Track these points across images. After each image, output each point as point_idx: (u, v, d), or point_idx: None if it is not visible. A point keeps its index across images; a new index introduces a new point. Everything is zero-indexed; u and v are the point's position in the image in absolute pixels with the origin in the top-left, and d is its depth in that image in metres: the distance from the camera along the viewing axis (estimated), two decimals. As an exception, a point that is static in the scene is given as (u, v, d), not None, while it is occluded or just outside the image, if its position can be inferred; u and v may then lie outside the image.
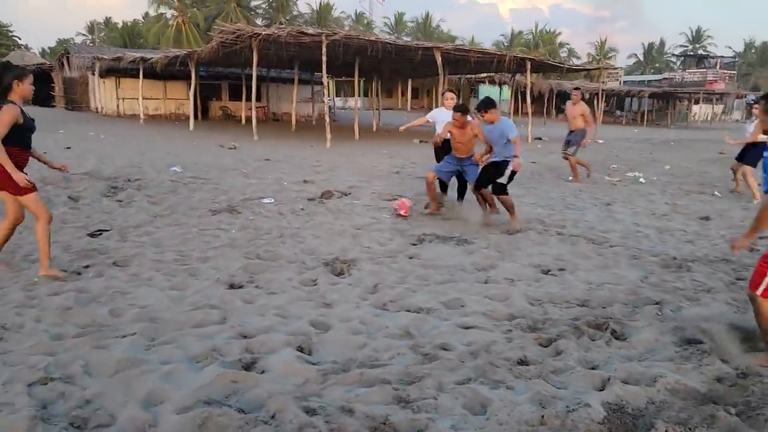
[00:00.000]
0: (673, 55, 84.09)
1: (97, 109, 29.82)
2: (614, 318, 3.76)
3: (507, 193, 6.66)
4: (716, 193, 9.66)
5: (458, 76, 33.99)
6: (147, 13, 64.08)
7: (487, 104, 6.65)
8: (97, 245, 5.34)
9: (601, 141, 22.16)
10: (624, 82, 58.96)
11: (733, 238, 3.30)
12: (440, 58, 17.57)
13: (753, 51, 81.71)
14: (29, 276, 4.37)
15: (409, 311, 3.93)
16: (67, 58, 31.60)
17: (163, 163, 10.82)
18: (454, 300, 4.13)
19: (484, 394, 2.74)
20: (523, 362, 3.12)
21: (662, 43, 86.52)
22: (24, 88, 4.29)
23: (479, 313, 3.89)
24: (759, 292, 3.03)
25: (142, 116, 24.93)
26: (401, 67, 22.83)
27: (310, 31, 15.72)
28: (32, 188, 4.26)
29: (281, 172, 10.25)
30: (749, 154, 9.05)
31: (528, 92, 21.29)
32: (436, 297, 4.20)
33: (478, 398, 2.72)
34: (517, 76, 34.11)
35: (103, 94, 28.99)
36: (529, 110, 21.63)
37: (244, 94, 27.52)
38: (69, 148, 13.07)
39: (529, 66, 20.38)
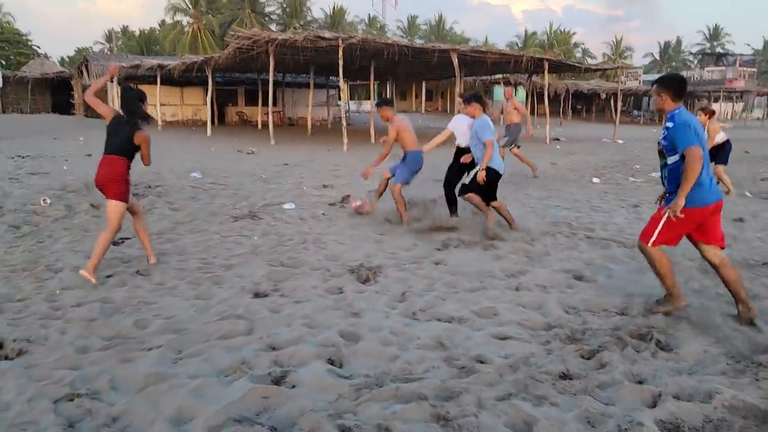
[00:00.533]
0: (691, 53, 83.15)
1: (115, 116, 30.07)
2: (657, 327, 3.59)
3: (473, 191, 6.10)
4: (747, 193, 9.41)
5: (473, 77, 33.82)
6: (163, 21, 64.80)
7: (469, 97, 6.33)
8: (120, 253, 5.28)
9: (620, 141, 21.86)
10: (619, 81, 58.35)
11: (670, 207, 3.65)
12: (456, 60, 17.42)
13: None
14: (52, 287, 4.30)
15: (440, 320, 3.80)
16: (86, 66, 31.93)
17: (183, 169, 10.80)
18: (486, 308, 3.99)
19: (528, 412, 2.60)
20: (565, 376, 2.97)
21: (679, 42, 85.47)
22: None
23: (514, 322, 3.75)
24: (650, 243, 3.83)
25: (159, 122, 25.07)
26: (417, 69, 22.73)
27: (327, 35, 15.68)
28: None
29: (300, 177, 10.18)
30: (719, 154, 9.42)
31: (546, 93, 21.05)
32: (466, 305, 4.06)
33: (521, 416, 2.58)
34: (534, 77, 34.06)
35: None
36: (547, 111, 21.40)
37: (260, 99, 27.62)
38: (90, 155, 13.13)
39: (546, 66, 20.15)
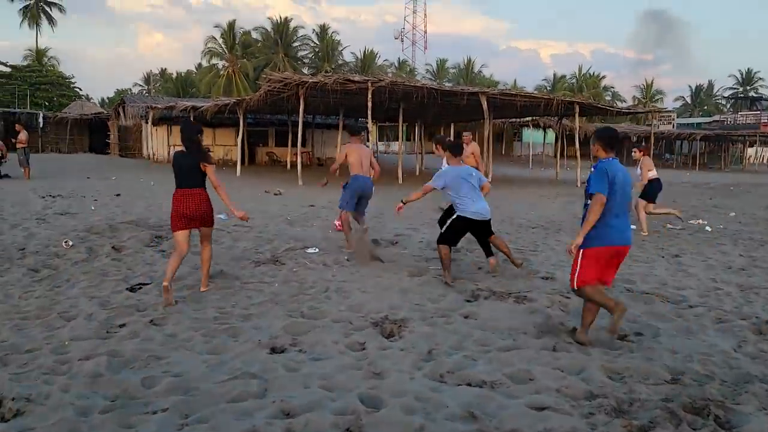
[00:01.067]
0: (723, 97, 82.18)
1: (149, 156, 30.75)
2: (714, 399, 3.21)
3: (443, 243, 6.06)
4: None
5: (502, 120, 33.75)
6: (200, 64, 66.91)
7: (437, 140, 7.11)
8: (136, 300, 5.10)
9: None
10: (651, 125, 57.55)
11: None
12: (486, 102, 17.33)
13: (809, 92, 78.85)
14: (62, 337, 4.12)
15: (470, 385, 3.47)
16: (123, 107, 32.91)
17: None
18: (520, 372, 3.66)
19: (573, 505, 2.25)
20: (615, 460, 2.62)
21: (711, 86, 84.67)
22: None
23: (552, 389, 3.40)
24: (574, 284, 4.22)
25: (191, 162, 25.45)
26: (445, 111, 22.73)
27: (356, 78, 15.80)
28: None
29: (326, 220, 10.00)
30: (647, 190, 9.76)
31: (576, 135, 20.76)
32: (499, 367, 3.73)
33: None
34: (563, 120, 33.82)
35: (155, 141, 29.91)
36: (578, 153, 21.07)
37: (290, 139, 27.93)
38: (119, 195, 13.24)
39: (577, 109, 19.92)
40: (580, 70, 72.56)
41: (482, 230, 6.28)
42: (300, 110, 17.71)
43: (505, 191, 17.39)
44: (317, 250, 7.28)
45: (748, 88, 79.27)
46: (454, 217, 6.13)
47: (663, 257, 7.68)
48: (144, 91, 67.39)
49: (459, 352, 4.01)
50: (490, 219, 6.25)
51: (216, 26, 62.11)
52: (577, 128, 20.86)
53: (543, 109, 19.93)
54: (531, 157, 35.11)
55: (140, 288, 5.48)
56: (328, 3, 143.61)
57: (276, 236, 8.21)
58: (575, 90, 63.21)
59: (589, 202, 4.11)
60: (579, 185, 20.04)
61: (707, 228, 10.34)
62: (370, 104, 15.70)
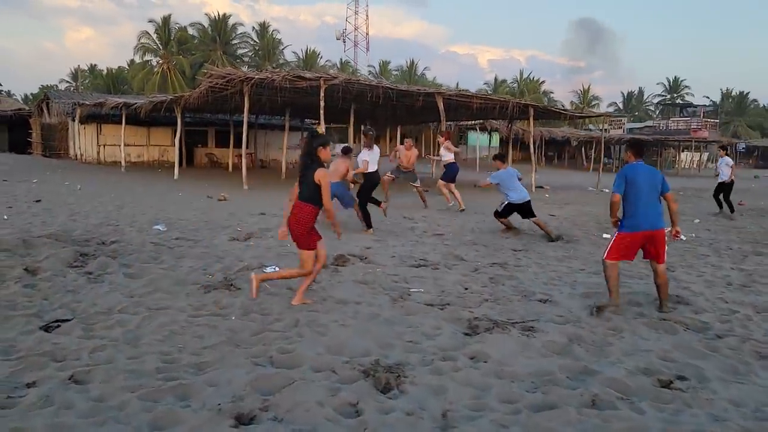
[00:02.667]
0: (654, 103, 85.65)
1: (76, 156, 28.46)
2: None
3: (500, 216, 9.74)
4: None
5: (454, 122, 33.32)
6: (132, 60, 63.55)
7: (497, 157, 10.14)
8: (52, 345, 3.95)
9: (606, 190, 21.25)
10: (602, 129, 59.16)
11: None
12: (442, 103, 16.64)
13: (730, 100, 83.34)
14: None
15: (514, 470, 2.60)
16: (47, 103, 30.39)
17: (145, 219, 9.46)
18: (571, 445, 2.81)
19: None
20: None
21: (641, 92, 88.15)
22: (326, 153, 5.00)
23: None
24: (604, 255, 5.22)
25: (123, 163, 23.60)
26: (398, 113, 21.94)
27: (308, 75, 14.73)
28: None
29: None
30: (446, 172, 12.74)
31: (531, 139, 20.43)
32: (541, 437, 2.88)
33: None
34: (497, 123, 33.77)
35: (83, 140, 27.71)
36: (533, 158, 20.77)
37: (231, 140, 26.45)
38: (39, 201, 11.67)
39: (531, 112, 19.57)
40: (521, 74, 73.77)
41: (526, 210, 9.43)
42: (245, 109, 16.46)
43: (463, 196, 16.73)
44: (277, 268, 6.24)
45: (675, 95, 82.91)
46: (506, 203, 9.43)
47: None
48: (71, 88, 63.42)
49: (482, 415, 3.14)
50: (529, 200, 9.45)
51: (150, 21, 58.88)
52: (532, 132, 20.53)
53: (498, 111, 19.46)
54: (478, 161, 34.82)
55: (58, 326, 4.30)
56: (266, 2, 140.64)
57: (226, 252, 7.10)
58: (517, 94, 64.02)
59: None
60: (534, 189, 19.69)
61: (682, 237, 9.93)
62: (322, 103, 14.66)
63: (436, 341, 4.28)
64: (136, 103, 21.90)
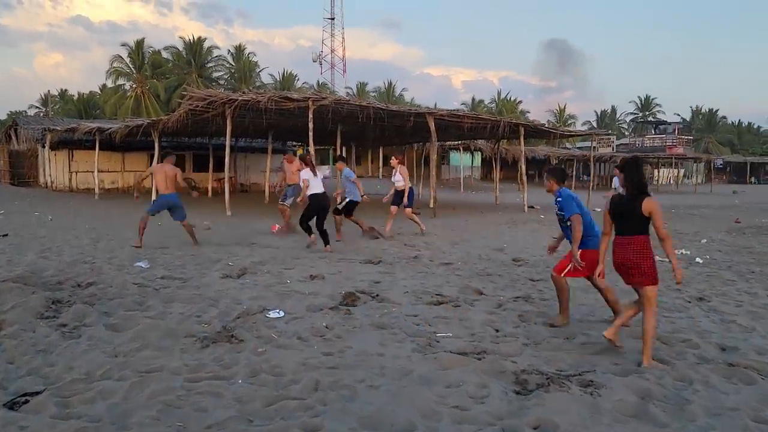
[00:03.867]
0: (627, 121, 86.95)
1: (46, 184, 27.28)
2: None
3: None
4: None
5: (442, 143, 32.92)
6: (104, 85, 62.30)
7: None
8: (18, 428, 3.16)
9: (598, 209, 20.91)
10: (579, 147, 59.57)
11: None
12: (433, 123, 16.13)
13: (700, 117, 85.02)
14: None
15: None
16: (15, 130, 29.21)
17: (124, 255, 8.64)
18: None
19: None
20: None
21: (614, 111, 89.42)
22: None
23: None
24: (562, 274, 5.41)
25: (97, 191, 22.56)
26: (386, 133, 21.39)
27: (295, 96, 14.08)
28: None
29: (278, 263, 8.19)
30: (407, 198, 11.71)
31: (522, 158, 20.04)
32: None
33: None
34: (481, 143, 33.44)
35: (53, 167, 26.58)
36: (524, 177, 20.34)
37: (211, 165, 25.61)
38: (5, 235, 10.74)
39: (522, 132, 19.19)
40: (499, 95, 74.35)
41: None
42: (227, 132, 15.73)
43: (457, 219, 16.18)
44: (282, 313, 5.50)
45: (647, 113, 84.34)
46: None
47: (689, 302, 6.51)
48: (41, 113, 61.82)
49: None
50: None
51: (123, 45, 58.02)
52: (523, 150, 20.14)
53: (489, 131, 19.04)
54: (462, 181, 34.46)
55: (26, 402, 3.51)
56: (240, 26, 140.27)
57: (220, 293, 6.32)
58: (495, 114, 64.32)
59: (569, 223, 5.25)
60: (526, 210, 19.24)
61: (698, 260, 9.44)
62: (311, 125, 13.99)
63: (488, 405, 3.59)
64: (110, 128, 21.00)
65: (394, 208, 11.76)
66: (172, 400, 3.57)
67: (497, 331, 5.23)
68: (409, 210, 11.81)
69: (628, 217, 4.40)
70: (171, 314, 5.40)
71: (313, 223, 9.61)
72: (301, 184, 9.53)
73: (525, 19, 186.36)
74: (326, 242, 9.48)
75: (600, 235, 4.83)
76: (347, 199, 10.88)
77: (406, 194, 11.61)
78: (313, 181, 9.45)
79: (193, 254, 8.85)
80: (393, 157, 11.99)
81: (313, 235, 9.71)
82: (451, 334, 5.04)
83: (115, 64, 56.66)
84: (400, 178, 11.70)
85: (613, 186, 12.47)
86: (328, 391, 3.75)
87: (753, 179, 62.90)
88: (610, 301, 5.43)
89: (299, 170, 9.97)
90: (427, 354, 4.49)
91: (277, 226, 11.88)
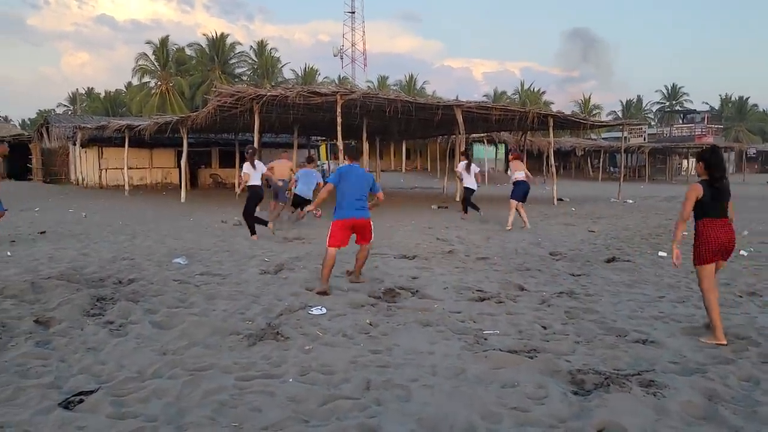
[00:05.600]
0: (654, 111, 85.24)
1: (77, 181, 27.75)
2: None
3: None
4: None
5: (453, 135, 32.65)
6: (130, 83, 63.11)
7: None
8: (76, 430, 3.14)
9: (630, 201, 20.53)
10: (604, 138, 58.59)
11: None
12: (461, 116, 15.94)
13: (730, 105, 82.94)
14: None
15: None
16: (47, 128, 29.71)
17: (162, 251, 8.68)
18: None
19: None
20: None
21: (639, 100, 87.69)
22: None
23: None
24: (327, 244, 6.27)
25: (127, 187, 22.85)
26: (412, 126, 21.24)
27: (324, 90, 14.01)
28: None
29: (313, 259, 8.14)
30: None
31: (551, 151, 19.74)
32: None
33: None
34: (505, 135, 33.03)
35: (84, 165, 27.01)
36: (553, 170, 20.04)
37: (237, 160, 25.72)
38: (44, 232, 10.89)
39: (551, 122, 18.88)
40: (522, 86, 73.50)
41: None
42: (255, 127, 15.74)
43: (487, 212, 15.99)
44: (324, 310, 5.45)
45: (674, 102, 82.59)
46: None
47: (740, 296, 6.30)
48: (69, 112, 62.92)
49: None
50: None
51: (147, 42, 58.45)
52: (552, 142, 19.84)
53: (518, 122, 18.78)
54: (486, 173, 34.13)
55: (81, 401, 3.50)
56: (260, 21, 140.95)
57: (260, 290, 6.30)
58: (519, 105, 63.60)
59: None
60: (555, 203, 18.93)
61: (742, 252, 9.15)
62: (339, 119, 13.92)
63: (548, 407, 3.48)
64: (139, 125, 21.20)
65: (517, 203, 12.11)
66: (226, 399, 3.53)
67: (545, 328, 5.10)
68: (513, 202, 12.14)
69: (726, 201, 4.76)
70: (214, 311, 5.39)
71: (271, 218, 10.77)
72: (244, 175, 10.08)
73: (546, 9, 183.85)
74: (253, 231, 10.11)
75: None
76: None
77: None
78: (253, 174, 10.01)
79: (228, 250, 8.85)
80: (510, 154, 13.15)
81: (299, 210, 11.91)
82: (498, 332, 4.93)
83: (140, 62, 57.39)
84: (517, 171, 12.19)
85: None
86: (381, 390, 3.67)
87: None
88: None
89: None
90: (477, 352, 4.39)
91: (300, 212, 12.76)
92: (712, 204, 4.69)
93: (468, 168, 13.77)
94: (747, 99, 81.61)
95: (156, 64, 57.49)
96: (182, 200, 19.24)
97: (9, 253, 8.26)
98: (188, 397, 3.57)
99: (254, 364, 4.10)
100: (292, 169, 13.13)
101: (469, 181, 13.56)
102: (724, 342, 4.57)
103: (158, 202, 19.10)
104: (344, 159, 7.31)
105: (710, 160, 4.74)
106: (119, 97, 67.07)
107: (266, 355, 4.30)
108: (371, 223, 6.51)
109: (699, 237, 4.73)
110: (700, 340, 4.67)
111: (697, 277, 4.81)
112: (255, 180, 10.08)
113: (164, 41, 57.41)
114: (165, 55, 57.28)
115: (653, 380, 3.84)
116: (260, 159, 10.95)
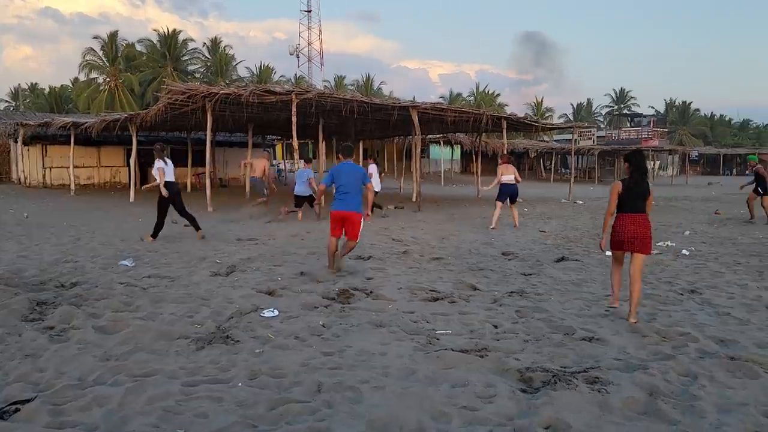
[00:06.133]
0: (603, 114, 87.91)
1: (19, 180, 26.57)
2: None
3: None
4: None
5: (409, 136, 32.84)
6: (77, 79, 60.84)
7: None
8: (10, 441, 3.00)
9: (580, 202, 21.09)
10: (556, 140, 60.10)
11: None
12: (417, 117, 16.03)
13: (674, 110, 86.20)
14: None
15: None
16: (-15, 125, 28.34)
17: (108, 253, 8.41)
18: None
19: None
20: None
21: (590, 104, 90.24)
22: None
23: None
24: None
25: (73, 187, 22.02)
26: (368, 127, 21.24)
27: (278, 89, 13.85)
28: None
29: (267, 260, 8.04)
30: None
31: (504, 151, 20.02)
32: None
33: None
34: (461, 136, 33.47)
35: (26, 163, 25.90)
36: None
37: (189, 159, 25.21)
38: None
39: (504, 125, 19.21)
40: (477, 88, 74.50)
41: None
42: (208, 125, 15.43)
43: (442, 213, 16.13)
44: (276, 312, 5.37)
45: (622, 105, 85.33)
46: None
47: (681, 294, 6.55)
48: (11, 108, 60.24)
49: None
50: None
51: (95, 38, 56.48)
52: (505, 143, 20.17)
53: (472, 124, 19.00)
54: (443, 174, 34.48)
55: (17, 410, 3.34)
56: (215, 18, 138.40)
57: (210, 292, 6.16)
58: (474, 107, 64.45)
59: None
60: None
61: (684, 252, 9.52)
62: (294, 119, 13.78)
63: (497, 404, 3.52)
64: (86, 123, 20.49)
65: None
66: (171, 405, 3.43)
67: (496, 327, 5.18)
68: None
69: (643, 198, 5.38)
70: (161, 315, 5.24)
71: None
72: (156, 173, 9.78)
73: (501, 12, 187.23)
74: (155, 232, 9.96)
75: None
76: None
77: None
78: (168, 170, 9.87)
79: (178, 252, 8.65)
80: (501, 157, 13.87)
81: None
82: (450, 331, 4.97)
83: (87, 57, 55.36)
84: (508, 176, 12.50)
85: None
86: (332, 392, 3.65)
87: (727, 171, 64.01)
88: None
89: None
90: (429, 352, 4.41)
91: (285, 208, 13.39)
92: (628, 200, 5.36)
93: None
94: (690, 104, 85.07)
95: (104, 59, 55.63)
96: (131, 200, 18.70)
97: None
98: (132, 404, 3.45)
99: (202, 369, 4.01)
100: (266, 167, 14.28)
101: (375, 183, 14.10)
102: (617, 305, 5.70)
103: (106, 202, 18.51)
104: (338, 157, 8.20)
105: (633, 161, 5.43)
106: (65, 93, 64.61)
107: (215, 359, 4.21)
108: (360, 219, 7.12)
109: (612, 228, 5.50)
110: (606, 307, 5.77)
111: None
112: (170, 176, 9.88)
113: (113, 36, 55.63)
114: (114, 51, 55.48)
115: (598, 377, 3.95)
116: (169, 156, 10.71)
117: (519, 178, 12.60)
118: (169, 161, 9.98)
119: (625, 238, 5.36)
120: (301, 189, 13.14)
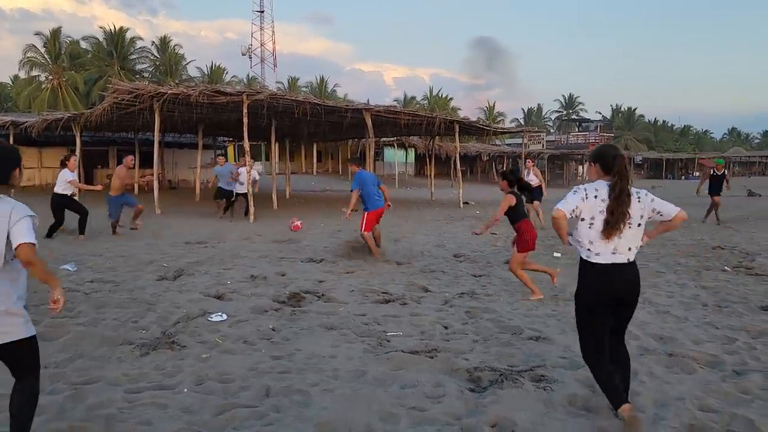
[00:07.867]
0: (552, 119, 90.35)
1: (-48, 181, 25.21)
2: None
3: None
4: (726, 268, 8.55)
5: (362, 139, 32.91)
6: (17, 76, 58.30)
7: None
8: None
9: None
10: (507, 144, 61.55)
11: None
12: (370, 120, 16.07)
13: (620, 116, 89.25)
14: None
15: None
16: None
17: (50, 258, 8.05)
18: None
19: None
20: None
21: (540, 109, 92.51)
22: None
23: None
24: (363, 230, 8.76)
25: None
26: (322, 129, 21.15)
27: (229, 90, 13.63)
28: None
29: (216, 264, 7.89)
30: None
31: (456, 155, 20.35)
32: None
33: None
34: (415, 139, 33.83)
35: (-40, 163, 24.58)
36: (459, 174, 20.67)
37: (137, 160, 24.45)
38: None
39: (457, 128, 19.46)
40: (431, 91, 75.18)
41: None
42: (155, 126, 15.05)
43: (396, 216, 16.20)
44: (225, 316, 5.28)
45: (571, 111, 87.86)
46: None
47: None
48: (-56, 106, 57.24)
49: None
50: None
51: (37, 34, 54.22)
52: (458, 147, 20.44)
53: (426, 127, 19.19)
54: (397, 177, 34.67)
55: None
56: (164, 17, 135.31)
57: (156, 297, 6.00)
58: (427, 110, 65.06)
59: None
60: (461, 206, 19.53)
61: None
62: (245, 120, 13.59)
63: (445, 404, 3.56)
64: (26, 122, 19.66)
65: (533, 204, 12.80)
66: (114, 413, 3.33)
67: (446, 328, 5.23)
68: (537, 203, 13.03)
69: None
70: (104, 321, 5.07)
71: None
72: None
73: (454, 17, 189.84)
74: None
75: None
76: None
77: (543, 190, 13.56)
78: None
79: (123, 255, 8.39)
80: (528, 161, 14.68)
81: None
82: (401, 333, 5.00)
83: (28, 54, 53.08)
84: (533, 178, 13.24)
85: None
86: (280, 397, 3.61)
87: (669, 175, 66.72)
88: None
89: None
90: (379, 354, 4.43)
91: (298, 223, 12.47)
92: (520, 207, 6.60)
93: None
94: (635, 110, 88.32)
95: (47, 57, 53.49)
96: (75, 202, 18.00)
97: None
98: (71, 412, 3.33)
99: (146, 375, 3.90)
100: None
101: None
102: (542, 295, 6.32)
103: (47, 205, 17.74)
104: (351, 166, 9.87)
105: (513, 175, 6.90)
106: (4, 90, 61.86)
107: (159, 365, 4.10)
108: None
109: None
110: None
111: None
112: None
113: (56, 33, 53.51)
114: (57, 48, 53.38)
115: (544, 375, 4.04)
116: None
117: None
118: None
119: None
120: (225, 184, 14.41)
